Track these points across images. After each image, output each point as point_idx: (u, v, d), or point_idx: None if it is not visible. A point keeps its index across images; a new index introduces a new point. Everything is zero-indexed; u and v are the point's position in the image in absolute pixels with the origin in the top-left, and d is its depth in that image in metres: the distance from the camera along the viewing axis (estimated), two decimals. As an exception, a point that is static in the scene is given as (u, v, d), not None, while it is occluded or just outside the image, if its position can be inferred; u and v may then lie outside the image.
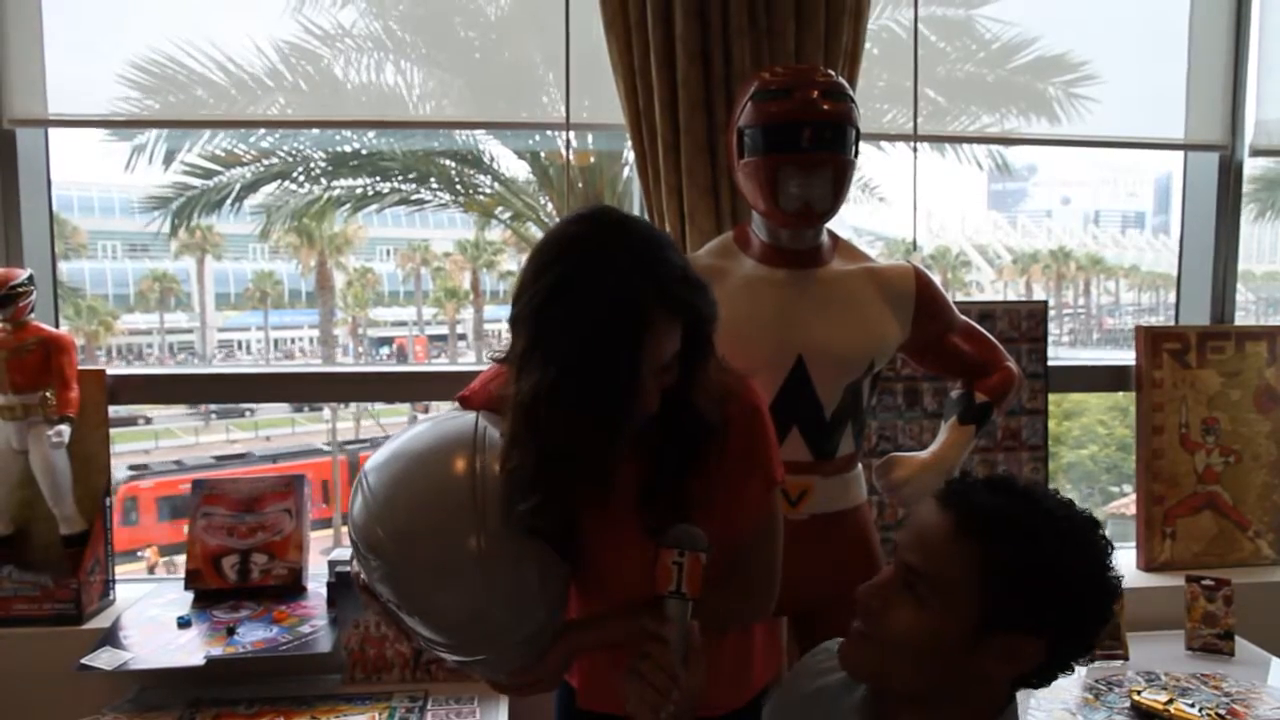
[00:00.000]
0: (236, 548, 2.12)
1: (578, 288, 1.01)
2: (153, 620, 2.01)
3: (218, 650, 1.88)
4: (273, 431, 20.33)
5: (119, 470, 17.21)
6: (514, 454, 1.09)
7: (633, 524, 1.15)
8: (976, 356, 1.75)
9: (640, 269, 1.03)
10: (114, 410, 2.18)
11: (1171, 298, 2.78)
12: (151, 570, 10.17)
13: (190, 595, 2.09)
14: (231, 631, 1.94)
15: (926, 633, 0.93)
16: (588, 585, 1.26)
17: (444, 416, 1.21)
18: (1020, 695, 1.03)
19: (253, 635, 1.93)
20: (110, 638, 1.93)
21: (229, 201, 6.69)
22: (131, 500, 12.57)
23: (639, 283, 1.02)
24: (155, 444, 19.62)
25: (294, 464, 17.67)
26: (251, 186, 6.64)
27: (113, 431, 2.17)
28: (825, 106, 1.55)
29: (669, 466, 1.14)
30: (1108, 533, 0.98)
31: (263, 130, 5.74)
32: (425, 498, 1.09)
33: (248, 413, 20.29)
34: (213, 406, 18.60)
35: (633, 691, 1.05)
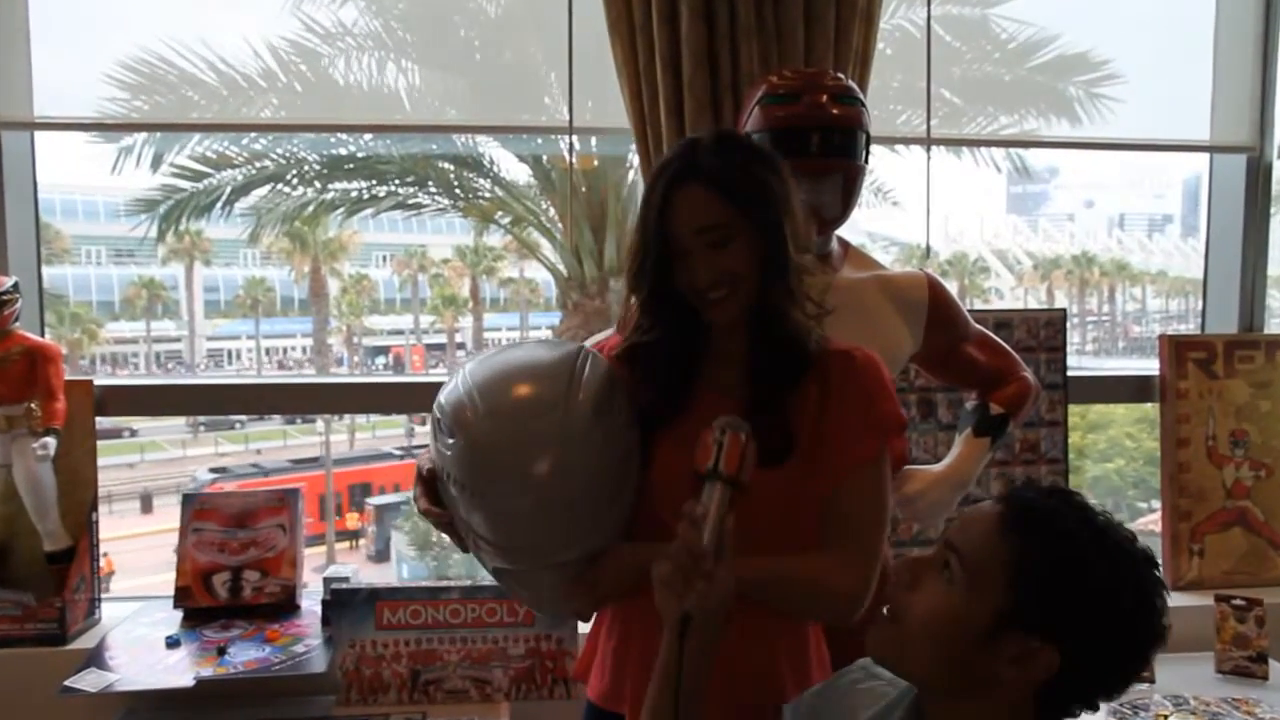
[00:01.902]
0: (228, 564, 2.13)
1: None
2: (140, 640, 2.01)
3: (208, 671, 1.88)
4: (264, 444, 20.40)
5: (201, 472, 17.60)
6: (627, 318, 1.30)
7: None
8: (992, 367, 1.76)
9: (693, 148, 1.23)
10: (99, 422, 2.19)
11: (1201, 305, 2.78)
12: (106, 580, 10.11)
13: (179, 614, 2.09)
14: (222, 651, 1.94)
15: (946, 615, 0.97)
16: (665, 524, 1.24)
17: (553, 341, 1.37)
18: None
19: (244, 655, 1.94)
20: (96, 658, 1.93)
21: (219, 205, 6.71)
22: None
23: (678, 155, 1.23)
24: (141, 457, 19.70)
25: (370, 466, 17.89)
26: (243, 189, 6.66)
27: (98, 444, 2.18)
28: (834, 111, 1.56)
29: (765, 379, 1.21)
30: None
31: (256, 133, 5.79)
32: (521, 388, 1.22)
33: (237, 425, 20.38)
34: (201, 418, 18.70)
35: (659, 579, 1.06)
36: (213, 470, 17.44)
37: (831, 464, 1.22)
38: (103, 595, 2.19)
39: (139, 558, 12.02)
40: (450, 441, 1.20)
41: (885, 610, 1.04)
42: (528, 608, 1.94)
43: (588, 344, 1.49)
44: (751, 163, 1.23)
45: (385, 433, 20.12)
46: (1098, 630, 0.94)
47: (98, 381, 2.21)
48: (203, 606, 2.09)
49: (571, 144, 2.40)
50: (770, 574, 1.19)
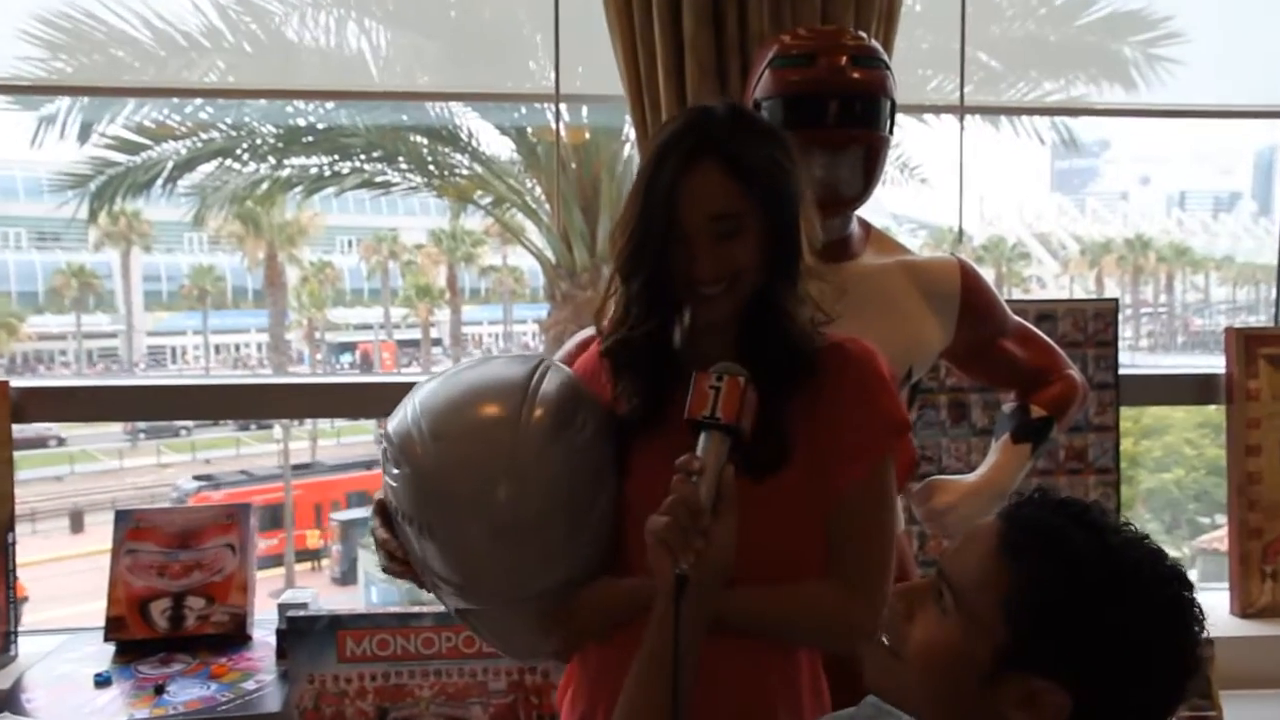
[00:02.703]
0: (168, 590, 2.12)
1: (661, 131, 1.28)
2: (64, 679, 1.99)
3: (143, 713, 1.87)
4: (213, 453, 20.45)
5: (185, 480, 17.48)
6: (610, 297, 1.29)
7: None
8: (1032, 364, 1.75)
9: (706, 119, 1.23)
10: (19, 430, 2.19)
11: (1274, 294, 2.78)
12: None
13: (111, 648, 2.08)
14: (160, 690, 1.93)
15: (942, 651, 0.95)
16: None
17: (512, 355, 1.38)
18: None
19: (186, 694, 1.93)
20: (10, 701, 1.91)
21: (159, 181, 6.70)
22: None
23: (692, 126, 1.22)
24: (70, 469, 19.73)
25: (373, 473, 17.90)
26: (186, 164, 6.66)
27: (17, 455, 2.17)
28: (855, 75, 1.56)
29: (762, 378, 1.18)
30: (1196, 589, 0.96)
31: (200, 99, 5.78)
32: (471, 408, 1.25)
33: (183, 432, 20.42)
34: (141, 425, 18.72)
35: (652, 536, 1.08)
36: (197, 478, 17.40)
37: (831, 477, 1.23)
38: (20, 628, 2.18)
39: (66, 583, 12.00)
40: (396, 472, 1.22)
41: (885, 639, 1.03)
42: (499, 652, 1.93)
43: (575, 340, 1.50)
44: (771, 146, 1.23)
45: (351, 439, 20.18)
46: (1113, 669, 0.92)
47: (15, 383, 2.20)
48: (138, 639, 2.08)
49: (559, 114, 2.40)
50: (773, 607, 1.21)
